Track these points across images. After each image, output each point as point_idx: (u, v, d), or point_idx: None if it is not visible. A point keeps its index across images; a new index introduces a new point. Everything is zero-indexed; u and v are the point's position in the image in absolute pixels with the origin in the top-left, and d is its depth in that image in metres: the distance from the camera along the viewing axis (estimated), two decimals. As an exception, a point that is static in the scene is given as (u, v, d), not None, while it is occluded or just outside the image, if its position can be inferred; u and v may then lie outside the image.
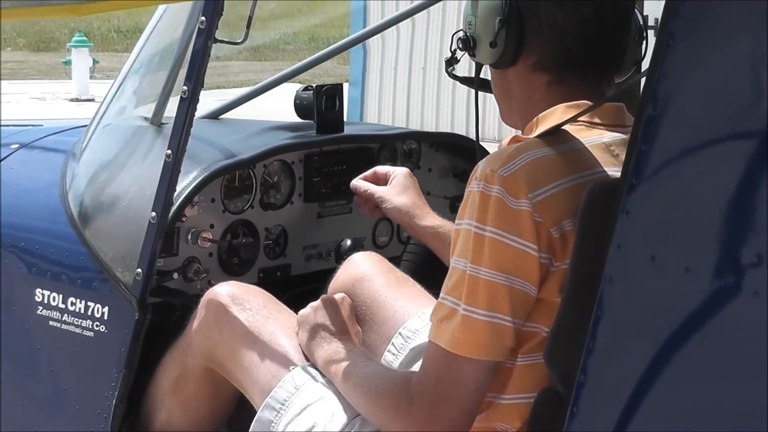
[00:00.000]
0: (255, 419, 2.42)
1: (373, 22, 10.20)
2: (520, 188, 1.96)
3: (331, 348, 2.37)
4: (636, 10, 2.21)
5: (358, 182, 2.87)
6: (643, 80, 1.82)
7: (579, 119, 2.11)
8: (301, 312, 2.48)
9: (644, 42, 2.23)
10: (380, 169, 2.88)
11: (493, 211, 1.98)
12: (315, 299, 2.82)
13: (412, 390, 2.05)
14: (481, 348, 1.98)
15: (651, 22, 6.41)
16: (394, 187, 2.83)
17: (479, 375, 2.00)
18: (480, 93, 2.32)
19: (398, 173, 2.86)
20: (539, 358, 1.98)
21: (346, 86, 3.11)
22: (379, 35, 10.75)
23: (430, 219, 2.79)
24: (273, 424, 2.39)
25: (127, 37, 24.51)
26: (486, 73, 2.28)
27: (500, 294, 1.97)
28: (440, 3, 3.74)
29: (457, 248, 2.02)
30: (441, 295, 2.03)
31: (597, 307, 1.77)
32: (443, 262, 2.68)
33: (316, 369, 2.42)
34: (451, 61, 2.30)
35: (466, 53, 2.20)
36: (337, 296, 2.49)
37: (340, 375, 2.30)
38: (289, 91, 3.12)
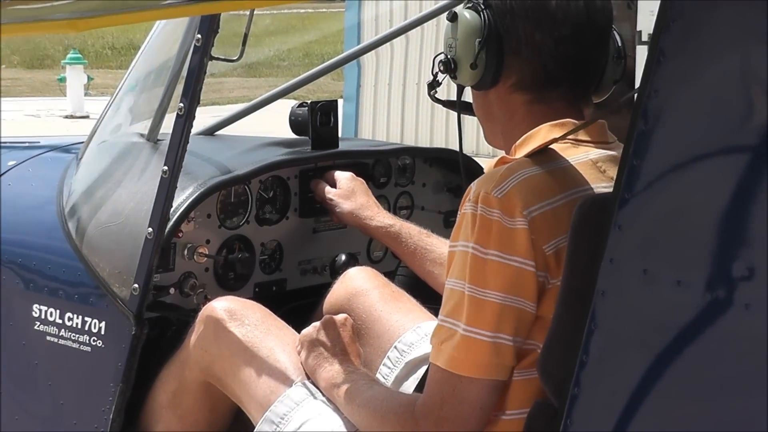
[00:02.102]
0: (254, 432, 2.43)
1: (368, 38, 10.22)
2: (515, 206, 1.99)
3: (333, 369, 2.37)
4: (614, 30, 2.23)
5: (318, 184, 2.95)
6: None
7: (565, 138, 2.13)
8: (304, 332, 2.48)
9: (623, 61, 2.24)
10: (331, 174, 2.96)
11: (492, 233, 2.00)
12: (310, 314, 2.84)
13: (417, 412, 2.07)
14: (484, 368, 2.00)
15: (645, 38, 6.43)
16: (342, 190, 2.90)
17: (483, 394, 2.02)
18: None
19: (342, 178, 2.93)
20: (535, 374, 2.00)
21: (340, 102, 3.12)
22: (373, 51, 10.78)
23: (380, 219, 2.86)
24: (272, 439, 2.41)
25: (121, 54, 24.50)
26: (467, 95, 2.29)
27: (504, 315, 1.99)
28: (434, 19, 3.75)
29: (453, 270, 2.03)
30: (440, 317, 2.05)
31: (590, 321, 1.78)
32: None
33: (316, 386, 2.43)
34: (433, 84, 2.31)
35: (448, 76, 2.21)
36: (339, 317, 2.49)
37: (343, 397, 2.30)
38: (284, 108, 3.13)
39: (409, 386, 2.54)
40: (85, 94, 17.18)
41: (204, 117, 3.25)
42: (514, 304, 1.99)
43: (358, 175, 3.00)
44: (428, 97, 2.39)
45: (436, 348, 2.04)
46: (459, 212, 2.06)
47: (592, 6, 2.16)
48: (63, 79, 17.49)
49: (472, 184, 2.05)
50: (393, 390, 2.41)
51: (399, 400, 2.16)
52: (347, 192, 2.91)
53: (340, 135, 3.12)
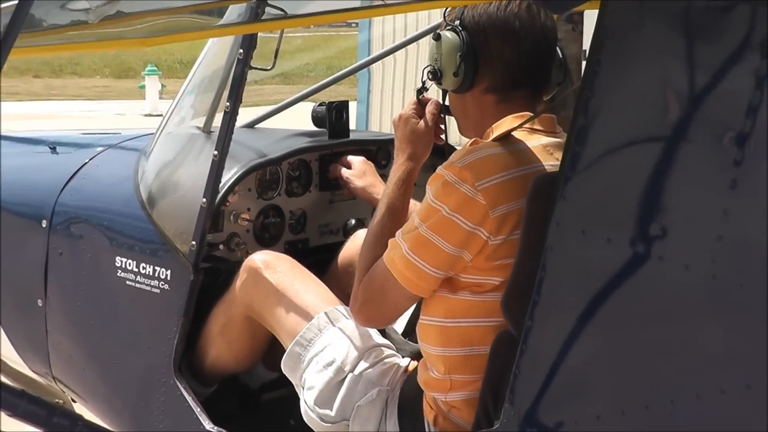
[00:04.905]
0: (287, 353, 2.43)
1: (376, 52, 10.16)
2: (467, 176, 1.98)
3: (387, 189, 2.31)
4: (558, 47, 2.21)
5: (335, 167, 2.93)
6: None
7: (523, 127, 2.12)
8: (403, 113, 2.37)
9: (564, 68, 2.23)
10: (346, 158, 2.93)
11: (443, 191, 2.01)
12: (328, 265, 2.83)
13: (363, 284, 2.14)
14: (406, 280, 2.05)
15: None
16: (356, 171, 2.88)
17: (400, 297, 2.09)
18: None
19: (356, 161, 2.91)
20: (491, 297, 2.02)
21: (354, 104, 3.09)
22: (381, 64, 10.73)
23: None
24: (301, 357, 2.40)
25: (188, 67, 24.23)
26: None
27: (426, 247, 2.02)
28: (428, 37, 3.72)
29: (421, 208, 2.06)
30: (398, 231, 2.09)
31: (541, 269, 1.77)
32: None
33: (336, 310, 2.42)
34: (421, 90, 2.30)
35: (434, 83, 2.20)
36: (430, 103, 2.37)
37: (372, 226, 2.27)
38: (308, 110, 3.11)
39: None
40: (160, 98, 17.14)
41: (249, 115, 3.24)
42: (436, 243, 2.01)
43: (365, 158, 2.98)
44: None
45: (388, 253, 2.08)
46: (437, 169, 2.07)
47: (545, 26, 2.14)
48: (143, 86, 17.47)
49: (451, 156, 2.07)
50: (373, 250, 2.24)
51: (366, 265, 2.18)
52: (360, 172, 2.89)
53: (353, 128, 3.11)
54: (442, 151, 2.41)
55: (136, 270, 2.73)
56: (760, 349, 1.53)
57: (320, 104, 3.04)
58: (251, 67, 2.52)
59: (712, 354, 1.58)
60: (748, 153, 1.53)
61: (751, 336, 1.54)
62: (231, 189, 2.70)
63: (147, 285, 2.70)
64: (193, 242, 2.57)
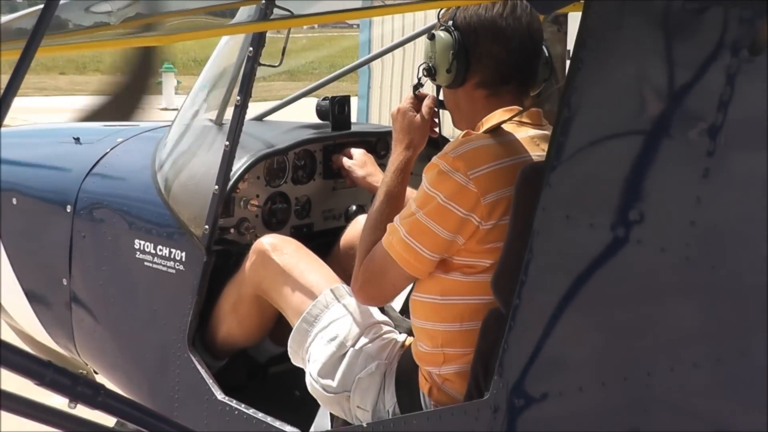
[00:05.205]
0: (294, 329, 2.43)
1: (376, 51, 10.10)
2: (460, 166, 1.98)
3: (385, 179, 2.28)
4: (544, 46, 2.20)
5: (337, 157, 2.93)
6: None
7: (512, 120, 2.11)
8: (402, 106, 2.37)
9: (549, 66, 2.22)
10: (348, 149, 2.93)
11: (438, 180, 2.01)
12: (331, 248, 2.83)
13: (363, 265, 2.14)
14: (404, 262, 2.05)
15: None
16: (357, 161, 2.89)
17: (398, 278, 2.09)
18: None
19: (357, 153, 2.91)
20: (482, 278, 2.02)
21: (354, 99, 3.09)
22: (380, 61, 10.69)
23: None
24: (308, 332, 2.40)
25: (201, 64, 24.07)
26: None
27: (423, 232, 2.02)
28: (423, 37, 3.70)
29: (418, 196, 2.06)
30: (397, 216, 2.09)
31: (528, 252, 1.77)
32: None
33: (341, 287, 2.42)
34: (417, 86, 2.30)
35: (429, 79, 2.20)
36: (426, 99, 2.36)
37: (372, 212, 2.25)
38: (312, 105, 3.11)
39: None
40: (175, 93, 17.08)
41: (257, 109, 3.23)
42: (431, 228, 2.01)
43: (365, 149, 2.98)
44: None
45: (386, 234, 2.08)
46: (432, 159, 2.07)
47: (531, 26, 2.14)
48: (160, 82, 17.39)
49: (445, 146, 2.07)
50: (372, 236, 2.23)
51: (366, 249, 2.17)
52: (360, 163, 2.88)
53: (353, 121, 3.11)
54: (437, 143, 2.41)
55: (154, 252, 2.72)
56: (730, 326, 1.53)
57: (324, 99, 3.04)
58: (260, 64, 2.52)
59: (686, 330, 1.59)
60: (719, 144, 1.53)
61: (721, 313, 1.54)
62: (241, 177, 2.69)
63: (163, 266, 2.70)
64: (206, 226, 2.56)
